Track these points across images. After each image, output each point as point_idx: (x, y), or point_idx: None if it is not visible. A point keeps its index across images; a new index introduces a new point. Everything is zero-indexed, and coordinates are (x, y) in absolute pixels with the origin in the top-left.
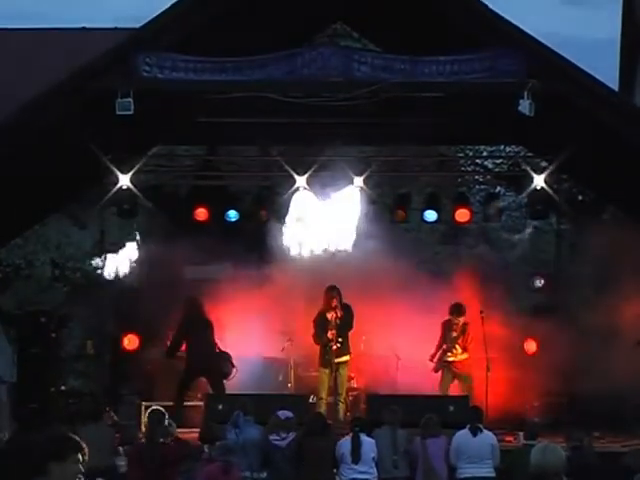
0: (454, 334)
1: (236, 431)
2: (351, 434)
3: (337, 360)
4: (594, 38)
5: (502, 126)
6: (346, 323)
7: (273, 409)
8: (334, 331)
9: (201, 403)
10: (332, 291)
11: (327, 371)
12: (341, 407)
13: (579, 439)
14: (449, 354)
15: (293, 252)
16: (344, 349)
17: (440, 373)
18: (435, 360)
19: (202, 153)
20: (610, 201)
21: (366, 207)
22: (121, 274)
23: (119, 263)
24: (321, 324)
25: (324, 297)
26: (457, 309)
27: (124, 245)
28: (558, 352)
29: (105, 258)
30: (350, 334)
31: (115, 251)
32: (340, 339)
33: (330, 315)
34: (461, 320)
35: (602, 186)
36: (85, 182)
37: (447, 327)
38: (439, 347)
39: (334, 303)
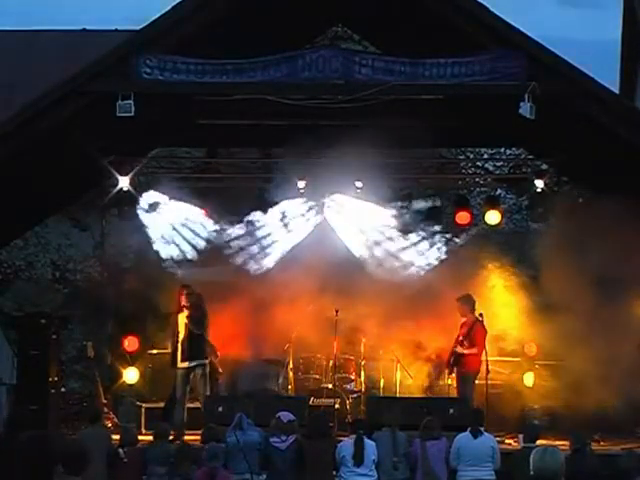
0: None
1: (237, 433)
2: (354, 436)
3: (186, 365)
4: (594, 40)
5: (503, 128)
6: (197, 323)
7: (273, 411)
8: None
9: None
10: (182, 289)
11: (178, 372)
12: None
13: (582, 442)
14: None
15: (294, 254)
16: (195, 352)
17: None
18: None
19: (202, 155)
20: (611, 203)
21: (366, 209)
22: (121, 276)
23: (120, 264)
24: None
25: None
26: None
27: (124, 246)
28: (559, 354)
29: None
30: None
31: (115, 253)
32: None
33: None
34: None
35: (603, 188)
36: (85, 184)
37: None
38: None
39: (183, 301)
